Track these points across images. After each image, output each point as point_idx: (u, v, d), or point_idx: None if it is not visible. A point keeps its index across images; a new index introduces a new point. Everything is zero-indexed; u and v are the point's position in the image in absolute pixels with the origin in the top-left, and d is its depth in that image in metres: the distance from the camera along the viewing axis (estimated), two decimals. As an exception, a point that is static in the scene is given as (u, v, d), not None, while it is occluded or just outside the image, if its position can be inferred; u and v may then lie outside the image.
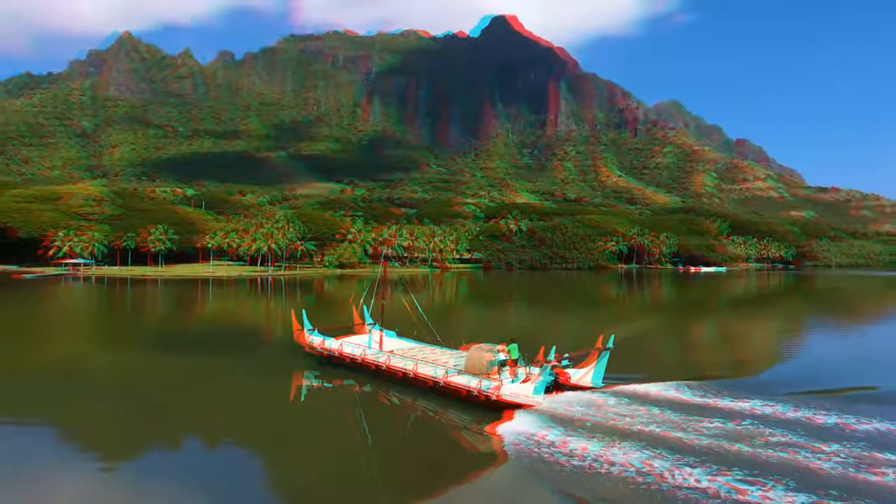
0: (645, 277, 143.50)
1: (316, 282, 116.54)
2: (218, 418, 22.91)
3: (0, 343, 40.38)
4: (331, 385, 28.44)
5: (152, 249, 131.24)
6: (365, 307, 34.76)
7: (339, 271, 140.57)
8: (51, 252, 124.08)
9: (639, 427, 19.52)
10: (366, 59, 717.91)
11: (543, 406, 22.30)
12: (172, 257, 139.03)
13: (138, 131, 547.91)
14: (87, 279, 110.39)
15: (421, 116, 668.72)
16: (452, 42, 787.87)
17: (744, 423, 20.08)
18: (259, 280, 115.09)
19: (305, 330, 33.15)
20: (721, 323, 61.29)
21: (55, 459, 18.18)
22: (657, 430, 19.26)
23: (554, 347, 26.08)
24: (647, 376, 27.13)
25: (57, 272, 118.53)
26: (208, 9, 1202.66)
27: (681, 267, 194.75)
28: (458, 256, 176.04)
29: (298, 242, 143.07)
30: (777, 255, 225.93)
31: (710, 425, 19.74)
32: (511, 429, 20.29)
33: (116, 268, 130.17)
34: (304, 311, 34.20)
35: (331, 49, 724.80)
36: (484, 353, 25.41)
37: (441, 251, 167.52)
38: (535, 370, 24.82)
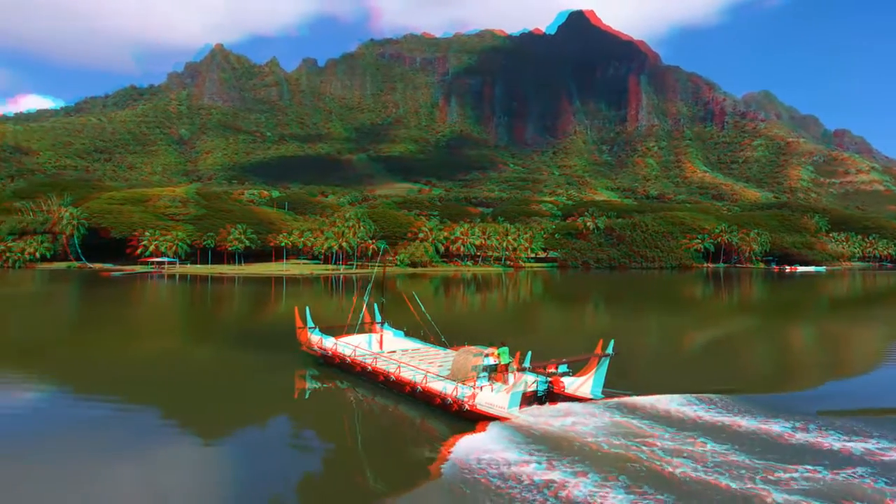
0: (734, 277, 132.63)
1: (388, 280, 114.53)
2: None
3: (102, 336, 42.75)
4: (316, 385, 27.44)
5: (229, 248, 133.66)
6: (376, 305, 32.93)
7: (410, 270, 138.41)
8: (138, 251, 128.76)
9: (623, 450, 16.65)
10: (442, 61, 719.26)
11: (520, 420, 19.87)
12: (250, 256, 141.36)
13: (229, 137, 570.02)
14: (170, 277, 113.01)
15: (497, 116, 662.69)
16: (528, 40, 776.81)
17: (749, 450, 16.59)
18: (331, 278, 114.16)
19: (307, 327, 31.12)
20: (814, 326, 53.60)
21: (162, 433, 20.12)
22: (643, 455, 16.26)
23: (529, 353, 23.23)
24: (661, 386, 23.82)
25: (143, 270, 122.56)
26: (293, 19, 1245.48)
27: (775, 266, 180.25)
28: (532, 255, 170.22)
29: (369, 241, 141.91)
30: (885, 252, 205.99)
31: (706, 450, 16.56)
32: (469, 444, 17.80)
33: (197, 266, 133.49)
34: (307, 307, 31.83)
35: (408, 52, 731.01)
36: (470, 356, 23.03)
37: (515, 250, 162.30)
38: (531, 376, 22.28)
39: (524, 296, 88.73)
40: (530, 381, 21.87)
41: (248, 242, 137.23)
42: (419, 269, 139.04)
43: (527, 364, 22.37)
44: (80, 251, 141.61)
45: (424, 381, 22.82)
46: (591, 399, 22.13)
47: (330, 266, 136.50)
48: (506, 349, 23.03)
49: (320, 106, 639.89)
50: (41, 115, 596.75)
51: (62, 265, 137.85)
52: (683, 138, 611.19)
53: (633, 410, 20.56)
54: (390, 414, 22.55)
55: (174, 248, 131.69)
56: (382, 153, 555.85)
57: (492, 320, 57.60)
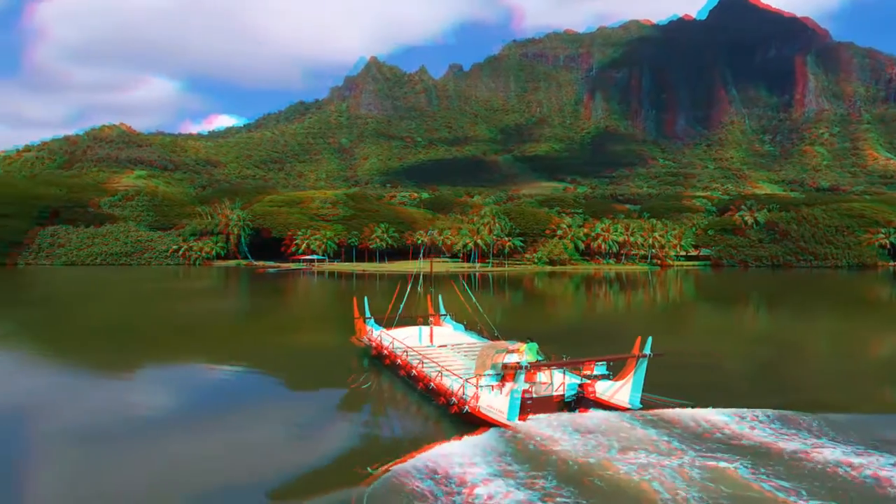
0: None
1: (525, 279, 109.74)
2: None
3: (259, 326, 47.83)
4: (349, 372, 26.92)
5: (371, 246, 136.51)
6: (440, 297, 32.30)
7: (548, 268, 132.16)
8: (291, 249, 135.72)
9: (636, 474, 13.79)
10: (586, 56, 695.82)
11: (519, 429, 17.57)
12: (393, 253, 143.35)
13: (383, 144, 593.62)
14: (319, 273, 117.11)
15: (645, 109, 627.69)
16: (677, 27, 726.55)
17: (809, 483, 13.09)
18: (467, 276, 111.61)
19: (364, 318, 30.33)
20: None
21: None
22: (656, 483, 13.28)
23: (534, 345, 20.94)
24: (728, 398, 20.50)
25: (295, 267, 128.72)
26: (439, 28, 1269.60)
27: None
28: (682, 253, 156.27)
29: (506, 238, 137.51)
30: None
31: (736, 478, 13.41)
32: (439, 453, 15.90)
33: (343, 264, 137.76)
34: (365, 298, 30.90)
35: (551, 50, 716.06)
36: (492, 352, 20.94)
37: (662, 247, 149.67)
38: (558, 374, 20.23)
39: (674, 296, 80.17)
40: (544, 382, 19.60)
41: (390, 241, 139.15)
42: (558, 268, 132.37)
43: (524, 362, 19.06)
44: (247, 250, 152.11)
45: (439, 378, 21.03)
46: (627, 408, 19.27)
47: (466, 264, 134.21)
48: (534, 345, 20.95)
49: (466, 109, 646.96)
50: (228, 132, 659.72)
51: (232, 262, 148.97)
52: (861, 122, 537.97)
53: (674, 424, 17.52)
54: (396, 409, 21.49)
55: (323, 246, 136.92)
56: (527, 153, 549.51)
57: (637, 322, 51.47)
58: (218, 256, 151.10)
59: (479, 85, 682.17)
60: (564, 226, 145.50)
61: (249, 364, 30.29)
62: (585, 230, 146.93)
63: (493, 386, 19.37)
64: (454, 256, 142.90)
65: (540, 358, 20.79)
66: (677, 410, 18.83)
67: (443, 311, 31.89)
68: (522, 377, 18.43)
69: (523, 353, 20.56)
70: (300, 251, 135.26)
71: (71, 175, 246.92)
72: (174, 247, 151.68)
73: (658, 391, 19.32)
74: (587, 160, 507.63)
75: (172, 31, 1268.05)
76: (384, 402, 22.92)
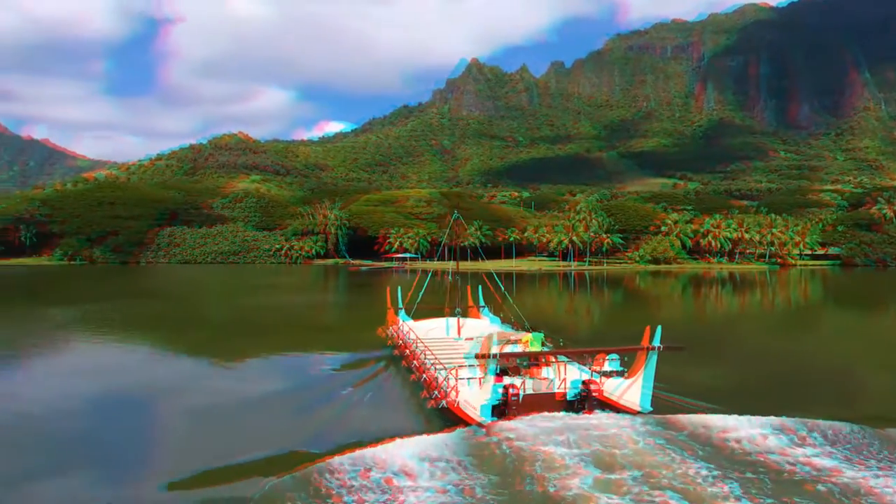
0: None
1: (626, 278, 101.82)
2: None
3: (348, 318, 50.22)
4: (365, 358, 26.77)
5: (462, 244, 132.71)
6: (480, 289, 31.59)
7: (651, 267, 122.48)
8: (384, 247, 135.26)
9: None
10: (696, 46, 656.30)
11: (495, 430, 15.16)
12: (487, 252, 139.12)
13: (485, 144, 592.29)
14: (412, 272, 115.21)
15: (764, 98, 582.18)
16: (799, 8, 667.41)
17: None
18: (563, 275, 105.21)
19: (395, 309, 28.54)
20: None
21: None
22: None
23: (540, 335, 19.99)
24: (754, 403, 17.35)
25: (387, 265, 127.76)
26: (540, 26, 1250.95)
27: None
28: (808, 251, 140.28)
29: (604, 235, 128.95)
30: None
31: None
32: (390, 450, 13.75)
33: (435, 262, 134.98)
34: (398, 288, 29.32)
35: (658, 41, 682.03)
36: (490, 342, 18.73)
37: (784, 244, 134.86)
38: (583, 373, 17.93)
39: (797, 299, 70.17)
40: (543, 378, 17.68)
41: (483, 239, 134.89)
42: (662, 267, 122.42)
43: (494, 345, 17.90)
44: (344, 249, 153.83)
45: (432, 370, 19.10)
46: (637, 411, 16.48)
47: (562, 263, 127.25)
48: (539, 335, 19.43)
49: (569, 107, 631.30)
50: (336, 137, 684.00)
51: (331, 261, 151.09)
52: None
53: (680, 434, 14.65)
54: (380, 400, 20.29)
55: (416, 244, 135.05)
56: (633, 149, 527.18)
57: (753, 327, 44.45)
58: (318, 255, 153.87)
59: (581, 81, 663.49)
60: (670, 221, 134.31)
61: (339, 350, 31.22)
62: (694, 226, 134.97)
63: (480, 379, 17.51)
64: (551, 255, 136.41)
65: (546, 350, 18.45)
66: (699, 417, 15.92)
67: (481, 303, 30.74)
68: (493, 369, 16.50)
69: (527, 343, 18.79)
70: (393, 249, 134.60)
71: (194, 180, 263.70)
72: (277, 246, 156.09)
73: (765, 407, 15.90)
74: (699, 154, 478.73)
75: (286, 45, 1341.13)
76: (375, 393, 21.37)
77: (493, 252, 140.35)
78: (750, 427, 15.00)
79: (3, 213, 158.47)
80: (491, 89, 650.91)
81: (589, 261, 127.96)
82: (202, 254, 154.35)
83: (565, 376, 17.68)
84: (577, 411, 16.86)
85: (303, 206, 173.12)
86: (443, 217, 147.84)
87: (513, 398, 16.42)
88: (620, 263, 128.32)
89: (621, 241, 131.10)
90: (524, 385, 17.08)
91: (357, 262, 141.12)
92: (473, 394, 16.76)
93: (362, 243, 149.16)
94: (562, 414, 16.63)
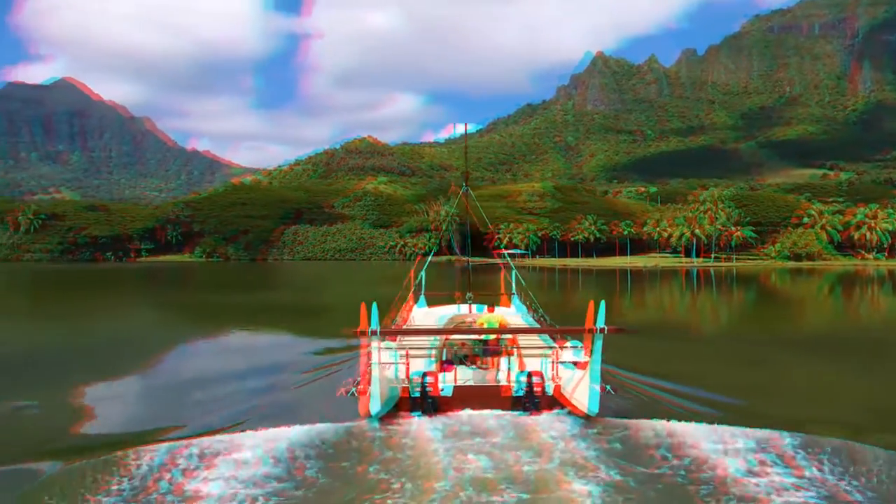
0: None
1: (761, 276, 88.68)
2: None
3: None
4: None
5: (573, 238, 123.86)
6: (515, 275, 29.76)
7: (790, 264, 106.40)
8: (493, 243, 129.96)
9: None
10: (850, 21, 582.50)
11: (382, 427, 13.30)
12: (602, 249, 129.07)
13: (610, 139, 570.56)
14: (521, 268, 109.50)
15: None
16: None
17: None
18: (685, 272, 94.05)
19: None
20: None
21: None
22: None
23: (498, 316, 17.17)
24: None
25: (496, 261, 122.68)
26: (670, 13, 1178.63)
27: None
28: None
29: (733, 228, 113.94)
30: None
31: None
32: (256, 438, 12.44)
33: (544, 259, 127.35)
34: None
35: (804, 19, 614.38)
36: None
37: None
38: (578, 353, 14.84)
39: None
40: (484, 368, 15.41)
41: (597, 233, 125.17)
42: (804, 263, 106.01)
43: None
44: (455, 245, 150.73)
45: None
46: (584, 414, 13.08)
47: (685, 259, 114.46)
48: (497, 316, 16.36)
49: (702, 96, 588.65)
50: (461, 138, 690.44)
51: (443, 258, 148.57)
52: None
53: (624, 448, 11.49)
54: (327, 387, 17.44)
55: (526, 240, 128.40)
56: (775, 138, 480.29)
57: None
58: (431, 252, 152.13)
59: (716, 68, 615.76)
60: (814, 212, 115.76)
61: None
62: (845, 217, 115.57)
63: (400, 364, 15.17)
64: (674, 251, 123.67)
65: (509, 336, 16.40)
66: (658, 424, 12.79)
67: (513, 291, 28.53)
68: (375, 353, 13.64)
69: (483, 326, 16.49)
70: (502, 245, 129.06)
71: (327, 183, 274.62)
72: (392, 243, 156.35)
73: None
74: (853, 141, 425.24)
75: (415, 52, 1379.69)
76: (327, 380, 18.68)
77: (607, 249, 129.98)
78: (724, 443, 11.74)
79: (156, 215, 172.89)
80: (617, 82, 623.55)
81: (715, 257, 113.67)
82: (322, 251, 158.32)
83: (516, 367, 14.92)
84: (525, 410, 13.96)
85: (417, 204, 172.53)
86: (557, 212, 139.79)
87: (427, 391, 13.96)
88: (753, 260, 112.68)
89: (754, 234, 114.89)
90: (459, 376, 14.92)
91: (464, 258, 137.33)
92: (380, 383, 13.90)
93: (473, 239, 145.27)
94: (494, 412, 13.89)
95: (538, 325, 21.88)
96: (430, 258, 33.85)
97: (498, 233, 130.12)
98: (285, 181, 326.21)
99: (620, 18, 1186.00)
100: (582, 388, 13.63)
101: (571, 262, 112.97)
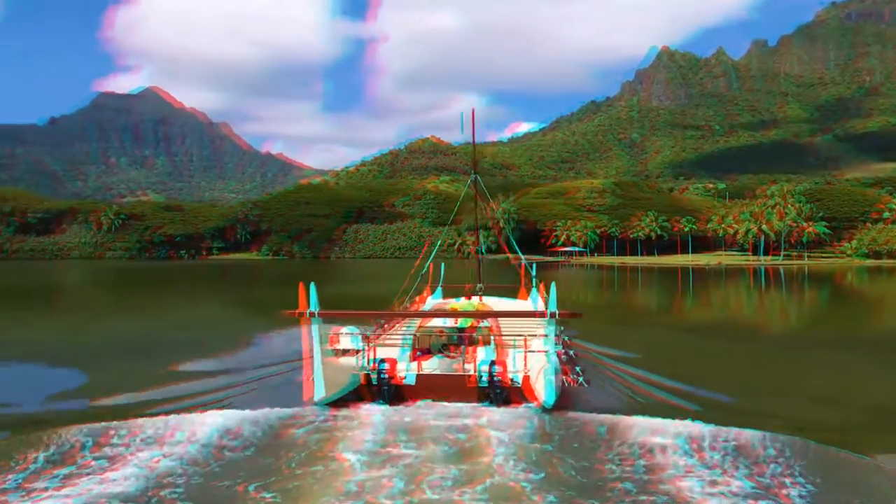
0: None
1: (836, 275, 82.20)
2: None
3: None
4: None
5: (632, 235, 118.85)
6: (534, 266, 29.66)
7: (869, 262, 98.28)
8: (551, 241, 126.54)
9: None
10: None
11: (331, 414, 13.22)
12: (664, 247, 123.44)
13: (677, 135, 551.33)
14: (580, 266, 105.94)
15: None
16: None
17: None
18: (753, 270, 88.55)
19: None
20: None
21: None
22: None
23: (472, 302, 19.99)
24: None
25: (552, 259, 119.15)
26: (738, 4, 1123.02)
27: None
28: None
29: (805, 224, 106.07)
30: None
31: None
32: (181, 422, 12.41)
33: (602, 257, 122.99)
34: (442, 266, 24.65)
35: (885, 5, 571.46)
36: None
37: None
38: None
39: None
40: (451, 355, 14.76)
41: (658, 231, 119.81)
42: (885, 262, 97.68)
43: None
44: (513, 244, 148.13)
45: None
46: (542, 407, 12.70)
47: (752, 257, 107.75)
48: (471, 302, 17.16)
49: (773, 88, 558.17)
50: (524, 137, 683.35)
51: (501, 256, 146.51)
52: None
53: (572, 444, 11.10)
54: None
55: (584, 237, 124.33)
56: (853, 131, 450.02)
57: None
58: (488, 251, 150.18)
59: (788, 59, 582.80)
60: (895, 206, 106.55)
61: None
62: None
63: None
64: (741, 248, 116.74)
65: (487, 323, 15.87)
66: (619, 419, 12.15)
67: (533, 285, 27.99)
68: (316, 337, 12.94)
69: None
70: (559, 243, 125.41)
71: (391, 182, 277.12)
72: (450, 241, 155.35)
73: None
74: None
75: (479, 52, 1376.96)
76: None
77: (669, 246, 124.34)
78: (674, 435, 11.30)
79: (227, 214, 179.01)
80: (683, 76, 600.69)
81: (785, 254, 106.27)
82: (382, 249, 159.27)
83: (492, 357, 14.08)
84: (490, 401, 13.31)
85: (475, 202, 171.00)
86: (616, 208, 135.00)
87: (384, 378, 13.53)
88: (827, 258, 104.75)
89: (827, 231, 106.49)
90: (427, 365, 14.47)
91: (513, 255, 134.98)
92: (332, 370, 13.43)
93: (530, 237, 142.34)
94: (456, 404, 13.20)
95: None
96: (435, 250, 33.22)
97: (555, 230, 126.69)
98: (351, 181, 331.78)
99: (686, 12, 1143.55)
100: (541, 380, 12.84)
101: (630, 260, 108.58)
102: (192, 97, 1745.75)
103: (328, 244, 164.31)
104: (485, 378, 13.36)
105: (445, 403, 13.57)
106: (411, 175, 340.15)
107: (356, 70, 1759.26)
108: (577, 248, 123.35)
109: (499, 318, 17.07)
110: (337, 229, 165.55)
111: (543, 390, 12.80)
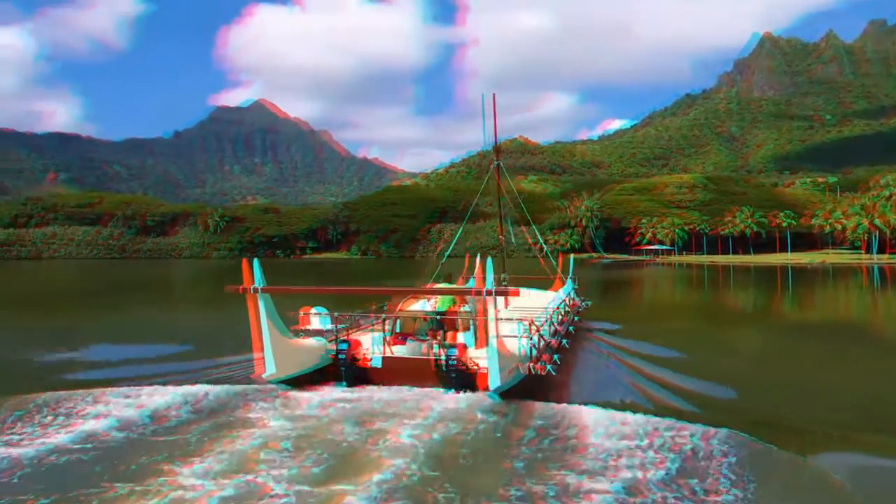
0: None
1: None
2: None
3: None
4: None
5: (722, 232, 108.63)
6: (571, 259, 31.96)
7: None
8: (636, 239, 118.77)
9: None
10: None
11: (290, 397, 13.36)
12: (761, 245, 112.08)
13: (781, 127, 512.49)
14: (666, 265, 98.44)
15: None
16: None
17: None
18: (865, 269, 78.29)
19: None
20: None
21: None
22: None
23: (570, 277, 23.80)
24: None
25: (636, 258, 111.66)
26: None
27: None
28: None
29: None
30: None
31: None
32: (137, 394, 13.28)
33: (691, 256, 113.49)
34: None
35: None
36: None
37: None
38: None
39: None
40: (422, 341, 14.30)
41: (754, 227, 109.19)
42: None
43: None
44: (597, 242, 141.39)
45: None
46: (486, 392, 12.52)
47: (864, 255, 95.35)
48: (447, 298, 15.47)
49: (893, 72, 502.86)
50: (615, 134, 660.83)
51: (585, 255, 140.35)
52: None
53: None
54: None
55: (671, 234, 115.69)
56: None
57: None
58: (572, 249, 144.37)
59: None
60: None
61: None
62: None
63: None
64: (853, 246, 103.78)
65: (467, 309, 14.74)
66: (561, 407, 11.98)
67: (571, 275, 28.17)
68: (263, 312, 12.60)
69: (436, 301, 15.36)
70: (645, 241, 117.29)
71: (479, 183, 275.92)
72: (532, 240, 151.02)
73: None
74: None
75: (569, 51, 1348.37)
76: None
77: (767, 244, 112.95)
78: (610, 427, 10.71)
79: (319, 216, 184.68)
80: (788, 64, 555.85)
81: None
82: (464, 248, 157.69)
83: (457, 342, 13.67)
84: (453, 386, 12.90)
85: (559, 201, 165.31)
86: (708, 204, 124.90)
87: (340, 359, 13.61)
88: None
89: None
90: (396, 349, 14.33)
91: (597, 255, 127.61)
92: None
93: (615, 235, 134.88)
94: (412, 389, 13.01)
95: (574, 307, 22.16)
96: (451, 246, 32.94)
97: (640, 228, 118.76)
98: (441, 183, 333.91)
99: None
100: (491, 365, 12.14)
101: (722, 259, 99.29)
102: (295, 107, 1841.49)
103: (413, 243, 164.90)
104: (446, 359, 13.04)
105: (406, 387, 13.35)
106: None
107: (446, 74, 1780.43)
108: (663, 247, 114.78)
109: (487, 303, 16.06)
110: (421, 229, 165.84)
111: (489, 375, 12.29)
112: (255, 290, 13.03)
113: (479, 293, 12.13)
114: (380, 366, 13.78)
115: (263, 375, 13.19)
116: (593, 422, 11.22)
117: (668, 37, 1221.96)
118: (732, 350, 21.95)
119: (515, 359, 12.98)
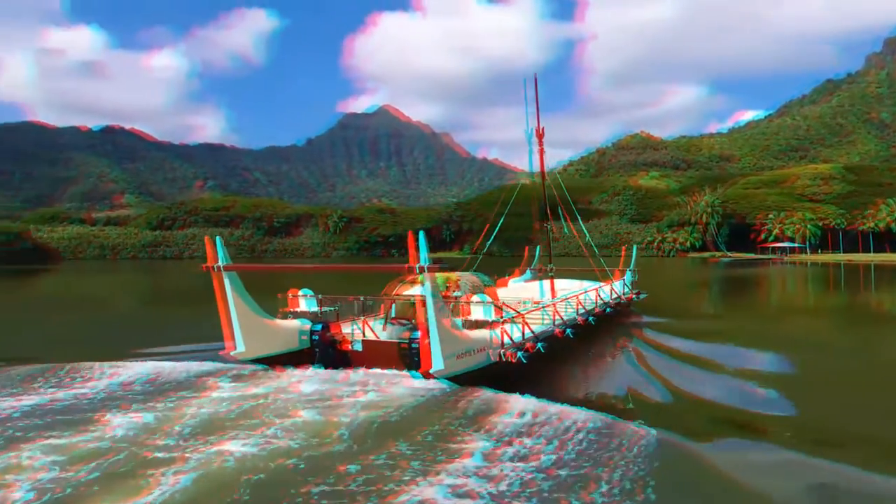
0: None
1: None
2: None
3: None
4: None
5: (861, 228, 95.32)
6: (634, 251, 30.86)
7: None
8: (762, 236, 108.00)
9: None
10: None
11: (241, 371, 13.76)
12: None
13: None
14: (795, 264, 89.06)
15: None
16: None
17: None
18: None
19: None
20: None
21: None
22: None
23: (442, 277, 16.93)
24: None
25: (760, 257, 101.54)
26: None
27: None
28: None
29: None
30: None
31: None
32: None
33: (827, 254, 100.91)
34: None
35: None
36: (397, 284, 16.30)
37: None
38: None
39: None
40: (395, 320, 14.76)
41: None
42: None
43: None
44: (719, 240, 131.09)
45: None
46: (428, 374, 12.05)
47: None
48: (441, 277, 15.40)
49: None
50: (747, 126, 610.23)
51: (707, 254, 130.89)
52: None
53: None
54: None
55: (802, 230, 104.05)
56: None
57: None
58: (693, 248, 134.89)
59: None
60: None
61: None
62: None
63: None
64: None
65: (459, 294, 14.81)
66: (489, 394, 11.46)
67: (631, 267, 28.65)
68: (229, 293, 12.76)
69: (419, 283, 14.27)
70: (772, 238, 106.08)
71: (599, 181, 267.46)
72: (649, 238, 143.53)
73: None
74: None
75: (694, 40, 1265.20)
76: None
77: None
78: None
79: (432, 216, 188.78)
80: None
81: None
82: (576, 247, 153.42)
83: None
84: (415, 368, 12.44)
85: (679, 196, 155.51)
86: (846, 197, 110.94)
87: (315, 342, 13.78)
88: None
89: None
90: (378, 333, 14.32)
91: (719, 253, 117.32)
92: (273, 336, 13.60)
93: (740, 232, 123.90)
94: (383, 371, 12.84)
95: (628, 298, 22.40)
96: (489, 243, 32.76)
97: (766, 224, 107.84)
98: (557, 181, 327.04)
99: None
100: (434, 347, 11.65)
101: (862, 258, 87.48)
102: (417, 111, 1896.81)
103: (523, 242, 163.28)
104: (408, 346, 13.06)
105: (380, 370, 13.31)
106: (618, 172, 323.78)
107: (566, 71, 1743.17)
108: (792, 244, 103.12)
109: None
110: (532, 227, 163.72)
111: (433, 358, 11.94)
112: (219, 269, 13.21)
113: (410, 269, 11.59)
114: (360, 349, 13.83)
115: (232, 353, 13.22)
116: (522, 409, 10.89)
117: (804, 18, 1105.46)
118: (782, 346, 19.94)
119: (478, 343, 12.48)
